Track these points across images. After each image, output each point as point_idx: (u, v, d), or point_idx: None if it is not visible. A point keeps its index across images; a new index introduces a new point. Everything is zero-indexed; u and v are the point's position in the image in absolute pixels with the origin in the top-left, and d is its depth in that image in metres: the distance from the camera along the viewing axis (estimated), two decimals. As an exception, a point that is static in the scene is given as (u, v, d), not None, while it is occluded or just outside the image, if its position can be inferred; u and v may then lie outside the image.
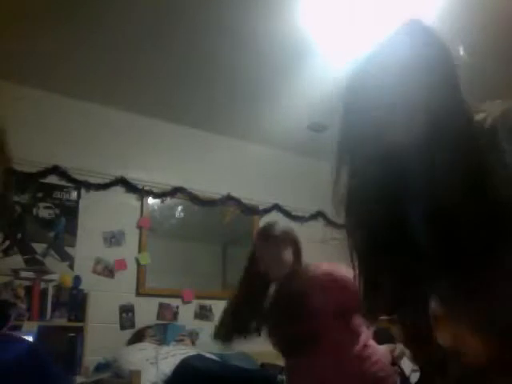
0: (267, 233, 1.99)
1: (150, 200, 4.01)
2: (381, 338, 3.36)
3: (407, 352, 3.22)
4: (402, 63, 0.75)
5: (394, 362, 3.15)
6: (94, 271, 3.61)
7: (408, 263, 0.80)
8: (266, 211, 4.41)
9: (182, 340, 3.59)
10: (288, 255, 1.93)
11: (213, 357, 3.26)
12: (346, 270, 1.80)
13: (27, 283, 3.21)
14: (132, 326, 3.65)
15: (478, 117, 0.74)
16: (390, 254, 0.82)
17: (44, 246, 3.44)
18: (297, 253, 1.97)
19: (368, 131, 0.77)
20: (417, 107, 0.73)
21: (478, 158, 0.70)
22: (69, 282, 3.38)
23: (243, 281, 2.00)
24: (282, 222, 2.16)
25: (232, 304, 1.99)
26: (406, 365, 3.13)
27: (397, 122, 0.73)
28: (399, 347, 3.25)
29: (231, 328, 1.95)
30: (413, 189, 0.76)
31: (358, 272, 0.88)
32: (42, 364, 0.51)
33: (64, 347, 3.10)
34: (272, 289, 1.94)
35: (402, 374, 3.14)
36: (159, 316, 3.79)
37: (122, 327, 3.62)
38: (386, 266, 0.83)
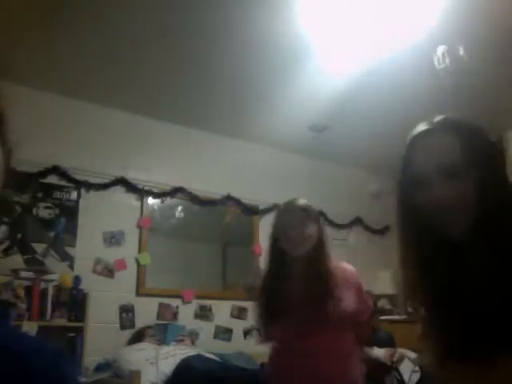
0: (292, 205, 1.90)
1: (150, 200, 4.00)
2: (381, 341, 3.36)
3: (408, 354, 3.23)
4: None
5: (393, 367, 3.16)
6: (94, 271, 3.61)
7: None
8: (266, 211, 4.40)
9: (182, 340, 3.59)
10: (313, 231, 1.85)
11: (213, 357, 3.27)
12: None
13: (27, 283, 3.21)
14: (132, 326, 3.65)
15: None
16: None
17: (44, 245, 3.44)
18: (320, 231, 1.87)
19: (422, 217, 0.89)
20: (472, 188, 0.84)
21: None
22: (69, 282, 3.37)
23: (267, 258, 1.93)
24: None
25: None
26: (407, 367, 3.14)
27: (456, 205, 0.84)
28: (399, 351, 3.25)
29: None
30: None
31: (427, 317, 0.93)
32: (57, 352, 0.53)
33: (64, 347, 3.10)
34: (295, 266, 1.85)
35: (400, 379, 3.14)
36: (159, 316, 3.78)
37: (122, 327, 3.62)
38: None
